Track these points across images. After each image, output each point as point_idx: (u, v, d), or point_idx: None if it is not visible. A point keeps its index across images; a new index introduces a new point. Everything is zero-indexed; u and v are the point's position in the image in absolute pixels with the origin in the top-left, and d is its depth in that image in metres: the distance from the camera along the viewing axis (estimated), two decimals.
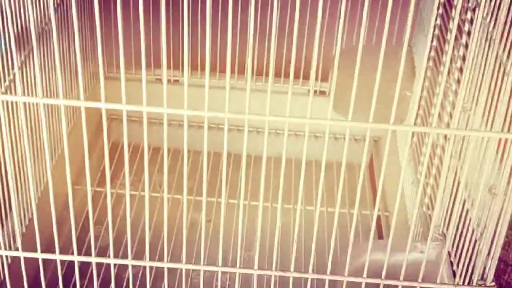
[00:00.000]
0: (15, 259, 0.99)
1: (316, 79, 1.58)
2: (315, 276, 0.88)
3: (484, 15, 0.99)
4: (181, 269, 0.93)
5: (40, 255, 0.86)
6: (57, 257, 0.87)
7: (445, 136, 1.14)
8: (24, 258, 0.90)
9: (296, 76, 1.59)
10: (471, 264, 0.94)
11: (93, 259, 0.88)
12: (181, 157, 1.47)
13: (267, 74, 1.57)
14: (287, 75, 1.58)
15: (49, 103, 0.77)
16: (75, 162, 0.89)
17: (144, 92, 0.77)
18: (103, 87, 0.77)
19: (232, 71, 1.56)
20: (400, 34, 1.51)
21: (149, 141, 0.81)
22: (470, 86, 1.03)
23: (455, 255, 1.01)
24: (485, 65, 0.96)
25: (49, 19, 1.23)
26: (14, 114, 1.04)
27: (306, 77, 1.57)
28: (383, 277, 0.89)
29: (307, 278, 0.89)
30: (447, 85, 1.17)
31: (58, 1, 1.28)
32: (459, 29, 1.13)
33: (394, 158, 1.47)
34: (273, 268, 0.90)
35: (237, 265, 0.90)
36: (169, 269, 0.89)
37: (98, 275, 0.92)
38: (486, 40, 0.98)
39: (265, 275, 1.07)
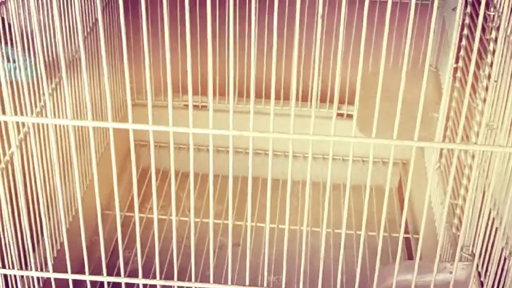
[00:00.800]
0: (47, 283, 1.00)
1: (343, 102, 1.59)
2: None
3: (508, 32, 0.99)
4: None
5: (70, 276, 0.88)
6: (87, 277, 0.88)
7: (473, 156, 1.14)
8: (56, 281, 0.91)
9: (323, 100, 1.59)
10: (501, 283, 0.93)
11: (123, 279, 0.89)
12: (219, 183, 1.49)
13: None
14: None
15: (78, 124, 0.79)
16: (106, 187, 0.91)
17: (170, 111, 0.78)
18: (130, 108, 0.79)
19: (258, 96, 1.58)
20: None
21: (179, 167, 0.82)
22: (496, 103, 1.03)
23: (485, 275, 1.00)
24: (510, 82, 0.96)
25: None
26: (46, 141, 1.07)
27: (332, 100, 1.58)
28: None
29: None
30: (474, 105, 1.17)
31: (88, 30, 1.31)
32: (485, 49, 1.13)
33: (423, 181, 1.47)
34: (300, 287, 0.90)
35: (265, 285, 0.90)
36: None
37: None
38: (511, 58, 0.98)
39: None
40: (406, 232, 1.53)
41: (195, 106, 1.56)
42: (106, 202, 1.37)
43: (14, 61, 1.02)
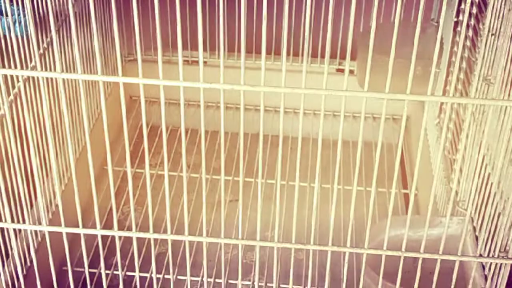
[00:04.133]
0: (44, 241, 1.00)
1: (344, 57, 1.57)
2: (335, 248, 0.89)
3: None
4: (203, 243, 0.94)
5: (64, 229, 0.88)
6: (81, 231, 0.89)
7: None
8: (53, 240, 0.92)
9: (316, 55, 1.58)
10: (495, 236, 0.93)
11: (116, 233, 0.90)
12: (219, 139, 1.49)
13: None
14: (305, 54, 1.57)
15: (68, 77, 0.79)
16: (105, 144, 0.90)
17: (160, 65, 0.78)
18: (119, 61, 0.78)
19: (249, 51, 1.57)
20: (429, 11, 1.49)
21: (188, 123, 0.82)
22: (494, 58, 1.02)
23: (480, 229, 1.00)
24: (507, 35, 0.95)
25: (74, 4, 1.26)
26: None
27: (333, 56, 1.57)
28: (403, 249, 0.88)
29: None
30: (473, 59, 1.16)
31: None
32: (485, 2, 1.11)
33: (425, 136, 1.46)
34: (292, 241, 0.90)
35: (257, 239, 0.91)
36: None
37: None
38: (509, 11, 0.97)
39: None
40: (406, 187, 1.53)
41: (185, 61, 1.54)
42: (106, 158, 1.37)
43: (11, 15, 1.02)
